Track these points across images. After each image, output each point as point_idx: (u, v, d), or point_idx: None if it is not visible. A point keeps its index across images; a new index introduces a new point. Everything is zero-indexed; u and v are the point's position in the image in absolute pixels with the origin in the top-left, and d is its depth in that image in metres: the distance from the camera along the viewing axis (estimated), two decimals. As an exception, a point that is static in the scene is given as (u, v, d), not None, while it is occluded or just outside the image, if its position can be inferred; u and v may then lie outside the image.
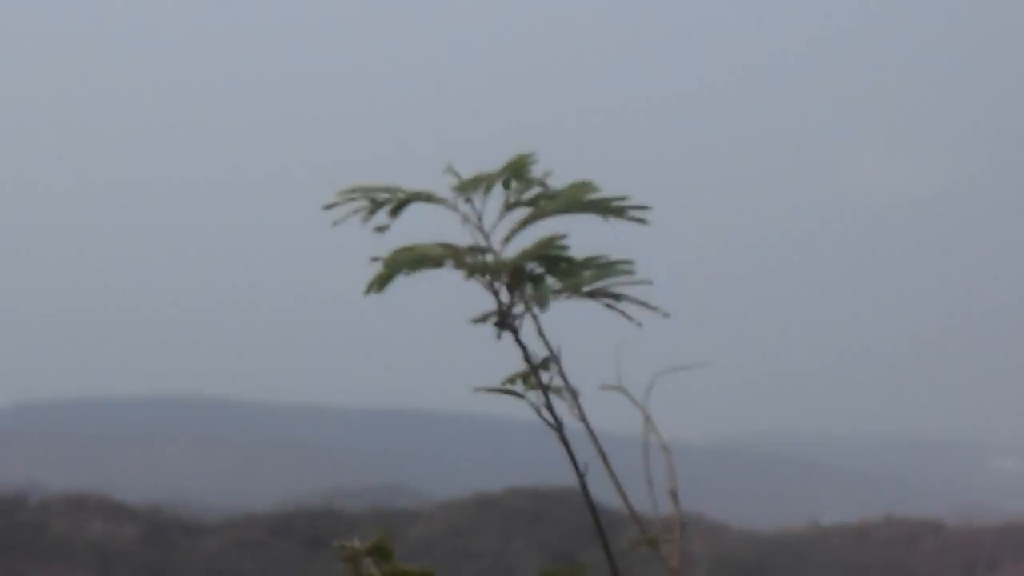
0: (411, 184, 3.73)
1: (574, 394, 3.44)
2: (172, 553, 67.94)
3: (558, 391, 3.43)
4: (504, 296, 3.41)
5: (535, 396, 3.36)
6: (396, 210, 3.52)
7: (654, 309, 3.44)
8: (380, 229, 3.48)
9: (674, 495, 3.60)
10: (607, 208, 3.43)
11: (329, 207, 3.52)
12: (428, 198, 3.46)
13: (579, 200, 3.42)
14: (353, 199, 3.53)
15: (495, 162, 3.55)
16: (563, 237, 3.37)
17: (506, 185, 3.44)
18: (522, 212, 3.47)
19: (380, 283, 3.43)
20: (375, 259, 3.40)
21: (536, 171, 3.51)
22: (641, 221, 3.42)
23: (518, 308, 3.43)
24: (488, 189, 3.48)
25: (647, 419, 3.50)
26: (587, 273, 3.43)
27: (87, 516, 68.86)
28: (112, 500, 72.24)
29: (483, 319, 3.40)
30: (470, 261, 3.42)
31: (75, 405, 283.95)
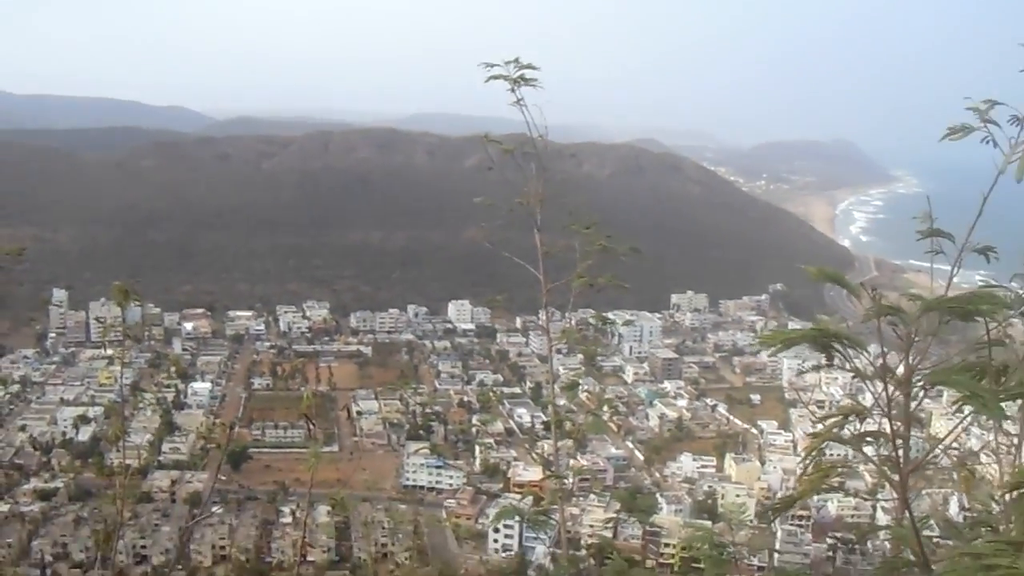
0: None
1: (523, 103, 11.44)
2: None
3: (522, 104, 11.46)
4: (514, 85, 11.38)
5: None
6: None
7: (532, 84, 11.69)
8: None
9: (543, 133, 11.84)
10: (528, 67, 11.29)
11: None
12: (492, 65, 11.29)
13: (520, 64, 11.30)
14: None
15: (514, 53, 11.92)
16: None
17: (514, 63, 11.36)
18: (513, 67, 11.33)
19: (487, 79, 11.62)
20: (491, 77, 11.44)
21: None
22: (535, 68, 11.31)
23: (518, 88, 11.40)
24: (510, 63, 11.39)
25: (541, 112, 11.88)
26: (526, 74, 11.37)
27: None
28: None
29: (513, 91, 11.34)
30: (507, 77, 11.34)
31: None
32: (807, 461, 7.28)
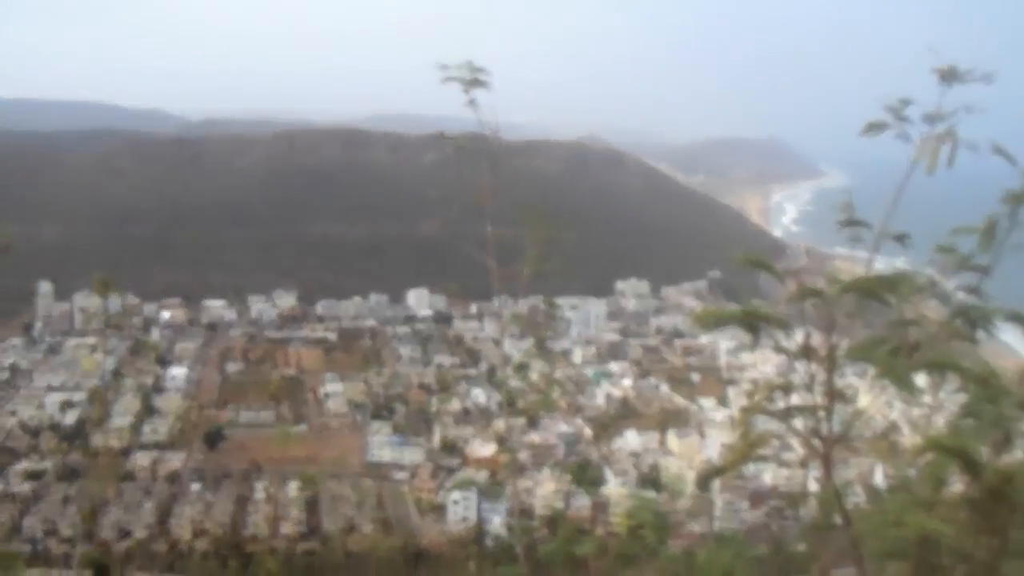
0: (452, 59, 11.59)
1: (476, 103, 11.37)
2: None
3: (475, 104, 11.37)
4: (468, 86, 11.23)
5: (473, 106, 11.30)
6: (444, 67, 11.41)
7: (484, 85, 11.43)
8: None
9: (495, 132, 11.73)
10: (481, 71, 11.20)
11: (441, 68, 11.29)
12: (448, 67, 11.18)
13: (473, 67, 11.17)
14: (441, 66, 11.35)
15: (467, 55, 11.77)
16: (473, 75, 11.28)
17: (467, 68, 11.21)
18: (467, 69, 11.23)
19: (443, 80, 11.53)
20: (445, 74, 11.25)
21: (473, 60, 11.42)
22: (487, 72, 10.98)
23: (471, 89, 11.26)
24: (464, 65, 11.24)
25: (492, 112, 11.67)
26: (479, 76, 11.26)
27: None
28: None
29: (467, 92, 11.18)
30: (461, 78, 11.22)
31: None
32: (740, 433, 7.36)
